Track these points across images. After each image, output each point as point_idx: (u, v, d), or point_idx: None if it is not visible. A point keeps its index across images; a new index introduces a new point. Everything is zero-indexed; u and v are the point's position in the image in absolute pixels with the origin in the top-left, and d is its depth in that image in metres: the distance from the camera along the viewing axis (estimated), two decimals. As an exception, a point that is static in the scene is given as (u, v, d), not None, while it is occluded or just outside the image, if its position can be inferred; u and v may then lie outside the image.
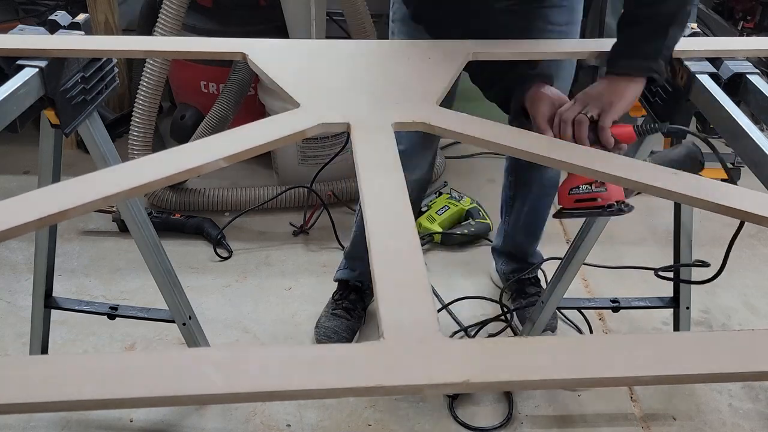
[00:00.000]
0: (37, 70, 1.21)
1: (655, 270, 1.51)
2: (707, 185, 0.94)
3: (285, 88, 1.16)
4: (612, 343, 0.67)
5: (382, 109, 1.09)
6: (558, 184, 1.82)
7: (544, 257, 2.06)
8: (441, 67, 1.24)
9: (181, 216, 2.39)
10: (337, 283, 2.02)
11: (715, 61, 1.29)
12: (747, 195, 0.91)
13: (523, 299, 2.02)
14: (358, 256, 1.93)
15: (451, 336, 1.94)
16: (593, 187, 1.21)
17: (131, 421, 1.68)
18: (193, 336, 1.68)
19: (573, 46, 1.45)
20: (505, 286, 2.08)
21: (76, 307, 1.67)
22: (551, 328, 1.96)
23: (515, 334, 1.95)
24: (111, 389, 0.60)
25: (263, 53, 1.28)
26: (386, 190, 0.89)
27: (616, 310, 1.71)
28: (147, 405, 0.61)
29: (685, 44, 1.32)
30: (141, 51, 1.43)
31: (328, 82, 1.21)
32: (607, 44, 1.28)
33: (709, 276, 1.41)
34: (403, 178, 0.91)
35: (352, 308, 1.96)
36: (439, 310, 2.01)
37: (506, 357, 0.65)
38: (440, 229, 2.36)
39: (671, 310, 1.75)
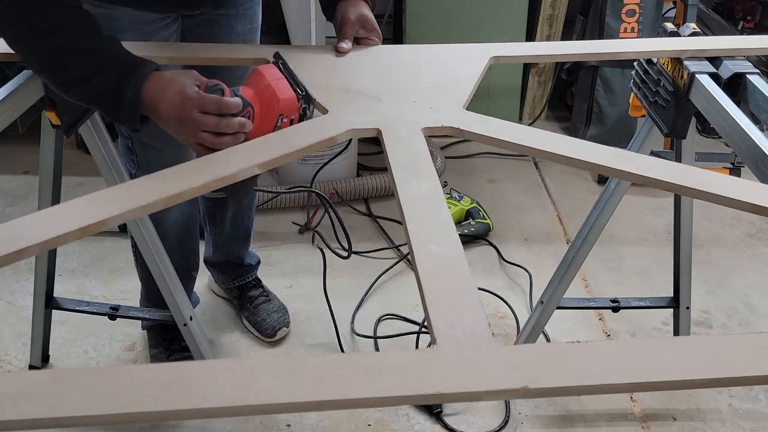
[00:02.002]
0: (38, 70, 1.21)
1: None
2: (707, 177, 0.94)
3: (312, 94, 1.16)
4: (676, 346, 0.65)
5: (411, 114, 1.09)
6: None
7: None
8: (465, 70, 1.24)
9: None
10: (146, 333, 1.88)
11: (715, 60, 1.29)
12: (746, 186, 0.92)
13: (249, 304, 1.97)
14: (156, 296, 1.69)
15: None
16: None
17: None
18: (194, 337, 1.68)
19: (587, 47, 1.44)
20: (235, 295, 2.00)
21: (77, 308, 1.68)
22: None
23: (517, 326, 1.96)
24: (168, 401, 0.59)
25: (288, 59, 1.25)
26: (423, 194, 0.89)
27: (616, 310, 1.71)
28: (206, 416, 0.60)
29: (685, 44, 1.33)
30: (161, 57, 1.31)
31: (354, 87, 1.20)
32: (607, 45, 1.28)
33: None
34: (438, 181, 0.91)
35: (179, 349, 1.82)
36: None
37: (563, 362, 0.64)
38: (440, 229, 2.35)
39: (671, 310, 1.75)
